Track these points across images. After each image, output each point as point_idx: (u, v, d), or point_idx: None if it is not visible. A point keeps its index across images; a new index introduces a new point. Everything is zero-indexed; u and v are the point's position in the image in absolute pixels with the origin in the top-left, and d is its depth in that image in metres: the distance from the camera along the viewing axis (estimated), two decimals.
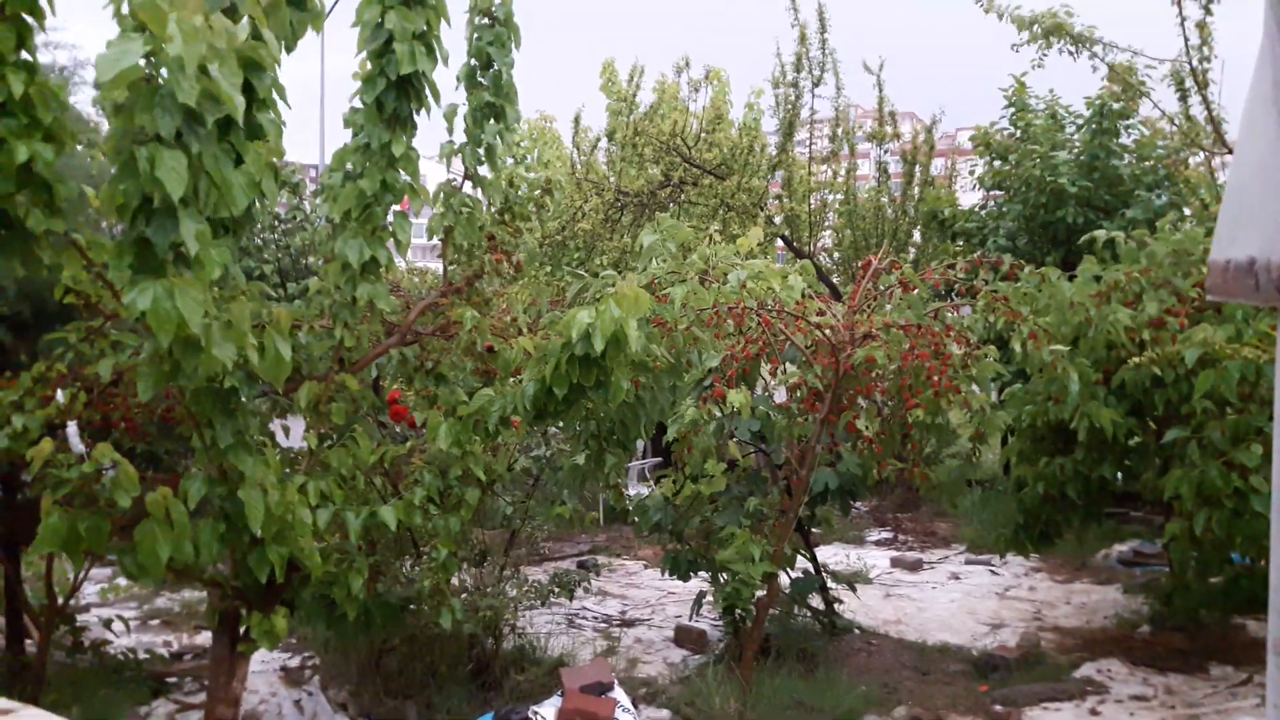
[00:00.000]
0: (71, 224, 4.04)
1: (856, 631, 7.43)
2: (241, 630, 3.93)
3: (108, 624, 6.47)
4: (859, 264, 7.29)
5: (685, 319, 5.09)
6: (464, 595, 6.03)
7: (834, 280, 13.21)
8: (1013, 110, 11.08)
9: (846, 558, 10.12)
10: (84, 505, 3.29)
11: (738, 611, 6.59)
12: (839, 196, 12.85)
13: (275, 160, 3.65)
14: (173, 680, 6.43)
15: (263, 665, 6.86)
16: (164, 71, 2.86)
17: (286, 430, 5.07)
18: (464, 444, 4.28)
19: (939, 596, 8.87)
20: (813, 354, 6.28)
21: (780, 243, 13.11)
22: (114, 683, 5.87)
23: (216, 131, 3.07)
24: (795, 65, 11.07)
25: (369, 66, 4.15)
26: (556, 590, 6.54)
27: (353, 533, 4.01)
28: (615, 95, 12.34)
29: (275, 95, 3.32)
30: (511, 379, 4.48)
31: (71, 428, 3.46)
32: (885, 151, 12.56)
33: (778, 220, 12.65)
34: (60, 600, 5.52)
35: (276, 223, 11.17)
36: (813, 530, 8.35)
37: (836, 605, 7.56)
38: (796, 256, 12.82)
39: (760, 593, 6.19)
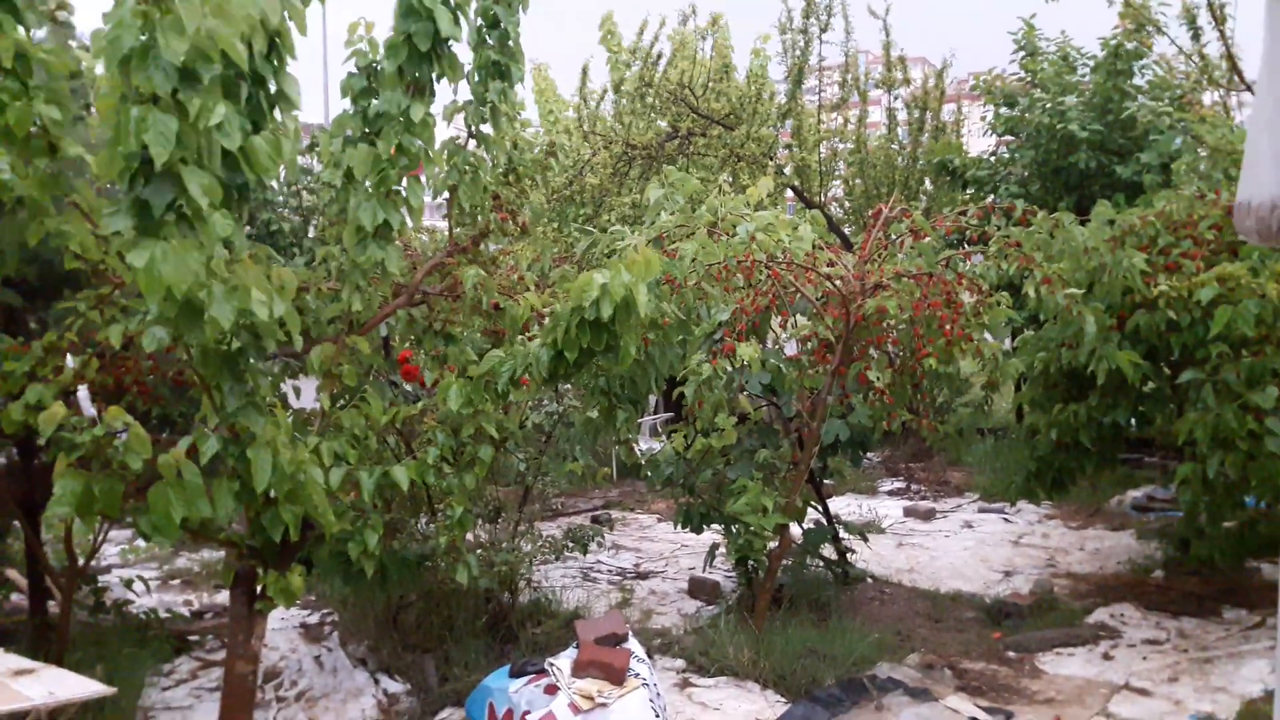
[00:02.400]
0: (78, 189, 4.04)
1: (869, 580, 7.48)
2: (258, 589, 3.97)
3: (128, 584, 6.56)
4: (870, 213, 7.21)
5: (695, 274, 5.05)
6: (479, 551, 6.08)
7: (845, 230, 13.10)
8: (1023, 54, 10.87)
9: (859, 508, 10.16)
10: (97, 468, 3.31)
11: (750, 563, 6.64)
12: (849, 145, 12.68)
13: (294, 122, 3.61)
14: (194, 638, 6.53)
15: (282, 622, 6.96)
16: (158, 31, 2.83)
17: (298, 391, 5.08)
18: (475, 403, 4.28)
19: (952, 545, 8.90)
20: (823, 305, 6.24)
21: (790, 193, 12.98)
22: (136, 641, 5.96)
23: (239, 96, 3.05)
24: (804, 11, 10.88)
25: (386, 34, 4.12)
26: (570, 545, 6.58)
27: (366, 492, 4.03)
28: (616, 49, 12.15)
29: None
30: (520, 337, 4.47)
31: (82, 392, 3.47)
32: (895, 98, 12.36)
33: (788, 170, 12.51)
34: (81, 561, 5.59)
35: (291, 183, 11.12)
36: (825, 481, 8.38)
37: (849, 555, 7.60)
38: (807, 206, 12.69)
39: (772, 544, 6.22)
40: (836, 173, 13.30)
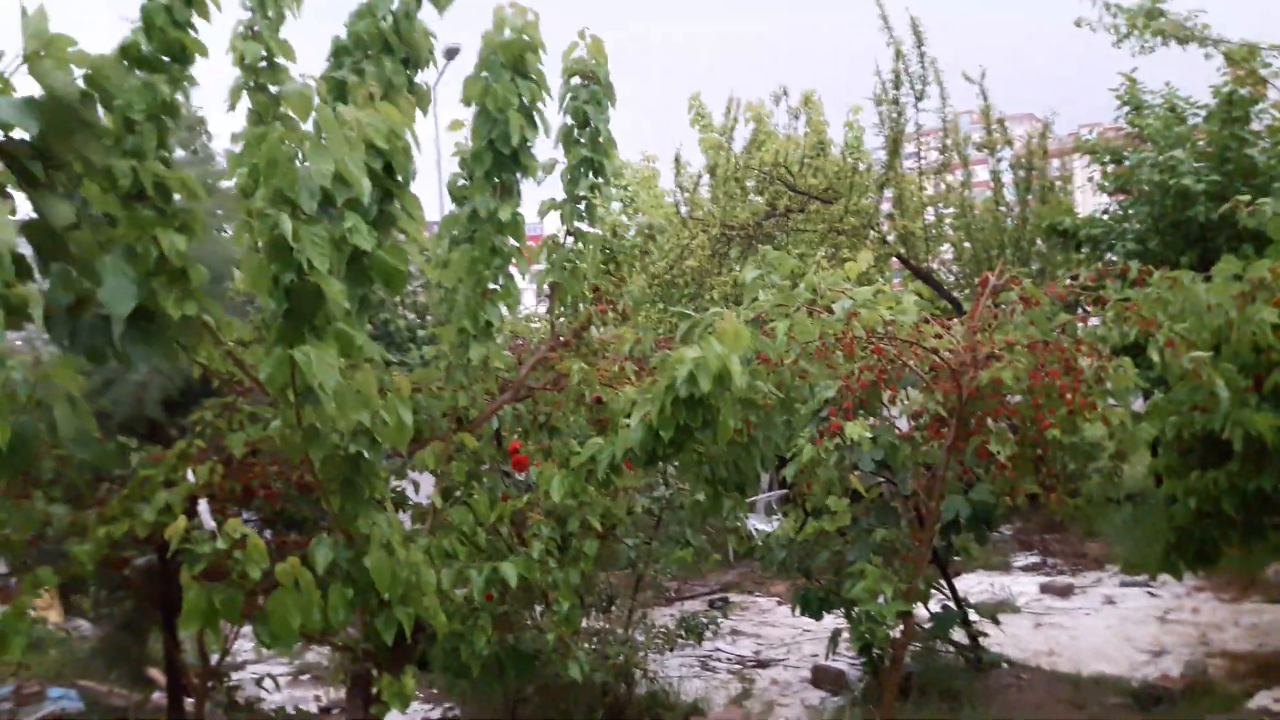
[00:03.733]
0: (205, 307, 4.31)
1: (1005, 665, 7.08)
2: (374, 691, 4.02)
3: (259, 681, 6.75)
4: (977, 281, 7.04)
5: (791, 353, 5.00)
6: (592, 641, 6.04)
7: (957, 295, 12.80)
8: (1127, 110, 10.55)
9: (990, 586, 9.69)
10: (218, 578, 3.45)
11: (875, 650, 6.38)
12: (954, 210, 12.48)
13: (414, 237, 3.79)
14: None
15: (407, 716, 7.02)
16: (300, 156, 3.03)
17: (416, 486, 5.21)
18: (578, 494, 4.30)
19: (1093, 623, 8.38)
20: (933, 378, 6.07)
21: (896, 261, 12.80)
22: None
23: (361, 213, 3.24)
24: (894, 81, 10.85)
25: (471, 142, 4.32)
26: (684, 635, 6.47)
27: (476, 590, 4.07)
28: (706, 128, 12.36)
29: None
30: (623, 420, 4.49)
31: (202, 505, 3.63)
32: (998, 160, 12.14)
33: (891, 239, 12.36)
34: (214, 660, 5.79)
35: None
36: (952, 560, 8.04)
37: (981, 638, 7.23)
38: (914, 274, 12.47)
39: (895, 631, 5.97)
40: (944, 237, 13.07)
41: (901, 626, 5.95)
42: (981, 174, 13.22)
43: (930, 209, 12.59)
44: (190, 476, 4.26)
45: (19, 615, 4.50)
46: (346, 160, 2.91)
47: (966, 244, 12.47)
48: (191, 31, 3.58)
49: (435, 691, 7.35)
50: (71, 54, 2.76)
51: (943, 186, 12.43)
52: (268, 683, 6.79)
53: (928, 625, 6.73)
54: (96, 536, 4.50)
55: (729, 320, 3.89)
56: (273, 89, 4.05)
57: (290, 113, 3.14)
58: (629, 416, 4.16)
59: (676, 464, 5.38)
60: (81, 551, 4.53)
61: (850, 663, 7.23)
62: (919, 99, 10.88)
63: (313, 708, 7.27)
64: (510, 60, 4.23)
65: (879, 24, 10.75)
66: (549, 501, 4.33)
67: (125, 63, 3.49)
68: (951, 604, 7.11)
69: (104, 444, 4.97)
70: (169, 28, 3.53)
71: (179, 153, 7.38)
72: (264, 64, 3.91)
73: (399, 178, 3.45)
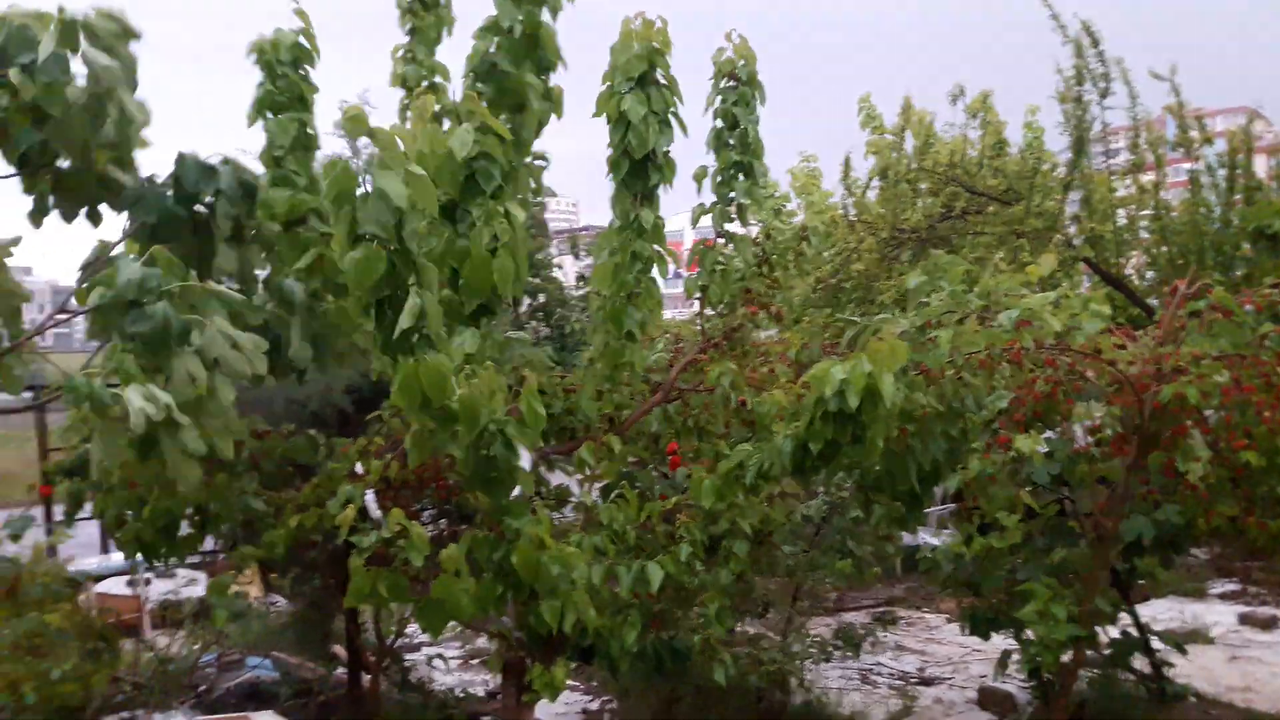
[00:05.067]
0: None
1: (1192, 699, 6.58)
2: (527, 680, 4.20)
3: (430, 661, 7.14)
4: (1167, 289, 6.57)
5: (953, 364, 4.84)
6: (747, 646, 6.04)
7: (1150, 302, 11.94)
8: None
9: (1180, 613, 9.00)
10: (386, 564, 3.70)
11: (1045, 674, 6.06)
12: (1148, 212, 11.64)
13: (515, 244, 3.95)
14: (487, 718, 6.95)
15: (565, 707, 7.24)
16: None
17: (581, 484, 5.39)
18: (728, 498, 4.33)
19: None
20: (1114, 392, 5.71)
21: (1085, 265, 12.07)
22: (436, 718, 6.45)
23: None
24: (1076, 79, 10.25)
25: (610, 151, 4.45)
26: (839, 646, 6.37)
27: (624, 587, 4.17)
28: (877, 129, 12.05)
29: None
30: (779, 428, 4.48)
31: (369, 496, 3.90)
32: (1196, 159, 11.23)
33: (1078, 242, 11.67)
34: (389, 640, 6.18)
35: (581, 283, 11.98)
36: (1135, 583, 7.52)
37: (1166, 668, 6.73)
38: (1104, 280, 11.73)
39: (1067, 655, 5.66)
40: (1136, 240, 12.20)
41: (1072, 651, 5.64)
42: (1180, 173, 12.28)
43: (1122, 211, 11.79)
44: (359, 468, 4.57)
45: (221, 590, 4.98)
46: (414, 180, 3.03)
47: (1163, 248, 11.61)
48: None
49: (595, 684, 7.53)
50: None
51: (1134, 188, 11.63)
52: (439, 664, 7.19)
53: (1106, 651, 6.34)
54: (289, 523, 4.91)
55: (887, 336, 3.82)
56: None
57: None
58: (779, 423, 4.16)
59: (826, 476, 5.32)
60: (275, 535, 4.95)
61: (1020, 685, 6.90)
62: (1103, 96, 10.23)
63: (480, 691, 7.61)
64: (639, 70, 4.31)
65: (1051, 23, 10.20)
66: (701, 504, 4.38)
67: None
68: (1133, 630, 6.66)
69: (302, 438, 5.48)
70: (290, 72, 3.94)
71: None
72: (424, 84, 4.19)
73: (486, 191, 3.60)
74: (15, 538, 5.71)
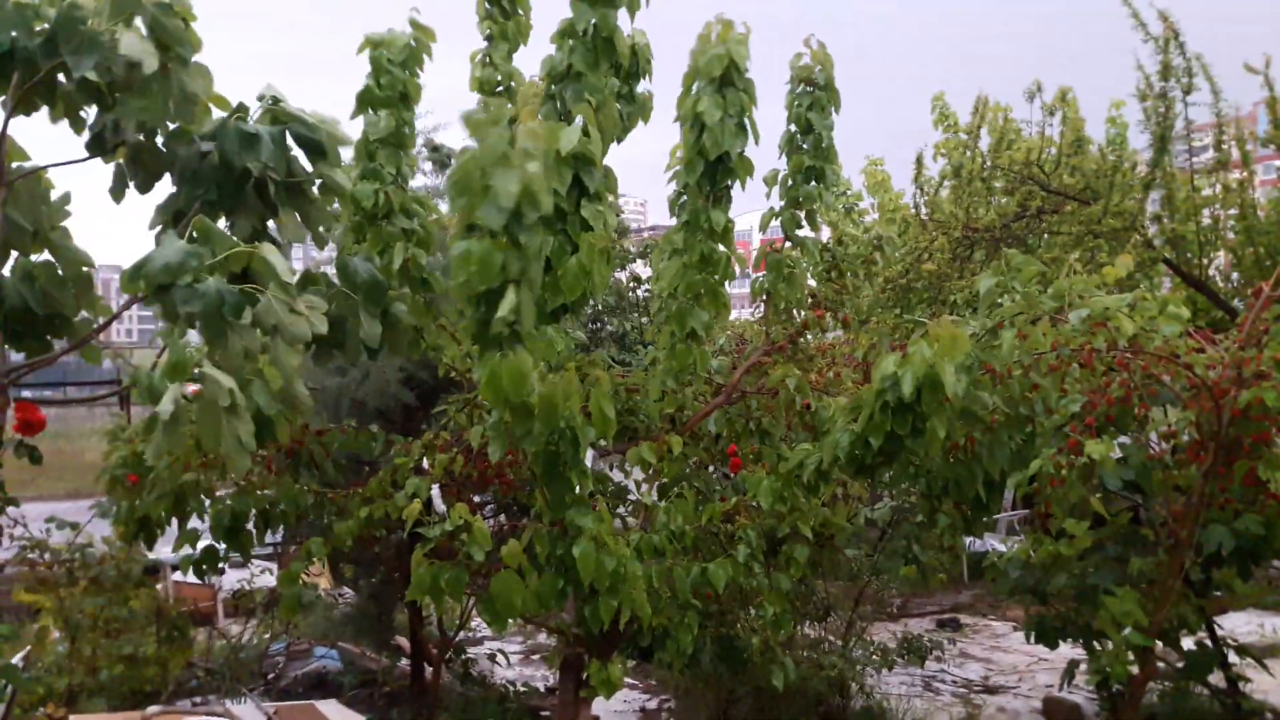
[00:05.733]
0: (446, 314, 4.76)
1: (1269, 717, 6.34)
2: (584, 676, 4.23)
3: (492, 656, 7.24)
4: (1250, 291, 6.34)
5: (1020, 364, 4.74)
6: (807, 650, 6.00)
7: (1234, 305, 11.51)
8: None
9: (1261, 627, 8.68)
10: (448, 558, 3.76)
11: (1113, 685, 5.90)
12: (1233, 211, 11.22)
13: (607, 245, 3.97)
14: (546, 713, 7.02)
15: (624, 705, 7.28)
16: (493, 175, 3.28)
17: (638, 485, 5.41)
18: (788, 500, 4.31)
19: None
20: (1191, 397, 5.53)
21: (1165, 266, 11.69)
22: (497, 713, 6.54)
23: (544, 224, 3.44)
24: (1160, 74, 9.92)
25: (679, 154, 4.45)
26: (904, 655, 6.28)
27: (682, 589, 4.17)
28: (951, 128, 11.84)
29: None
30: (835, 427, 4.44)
31: (435, 490, 3.97)
32: None
33: (1158, 243, 11.30)
34: (451, 634, 6.28)
35: (634, 286, 12.01)
36: (1212, 594, 7.27)
37: (1242, 683, 6.50)
38: (1185, 282, 11.35)
39: (1136, 667, 5.50)
40: (1221, 241, 11.78)
41: (1141, 663, 5.47)
42: (1271, 170, 11.83)
43: (1205, 210, 11.39)
44: (426, 464, 4.65)
45: (291, 580, 5.11)
46: (531, 178, 3.07)
47: (1248, 249, 11.19)
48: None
49: (654, 683, 7.55)
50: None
51: (1219, 186, 11.23)
52: (500, 659, 7.28)
53: (1179, 664, 6.14)
54: (357, 516, 5.01)
55: (944, 323, 3.75)
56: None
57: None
58: (837, 422, 4.11)
59: (889, 478, 5.25)
60: (342, 528, 5.06)
61: (1087, 696, 6.74)
62: (1187, 92, 9.88)
63: (540, 686, 7.69)
64: (716, 72, 4.31)
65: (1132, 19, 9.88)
66: (760, 504, 4.36)
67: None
68: (1209, 642, 6.44)
69: (364, 433, 5.59)
70: (396, 71, 4.00)
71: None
72: (500, 89, 4.25)
73: (589, 191, 3.62)
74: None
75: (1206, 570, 6.42)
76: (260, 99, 3.46)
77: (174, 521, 4.89)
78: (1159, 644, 5.54)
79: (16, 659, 5.81)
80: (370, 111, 4.47)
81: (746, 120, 4.31)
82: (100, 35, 2.96)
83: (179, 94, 3.15)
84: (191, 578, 5.23)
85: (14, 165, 3.46)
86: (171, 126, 3.33)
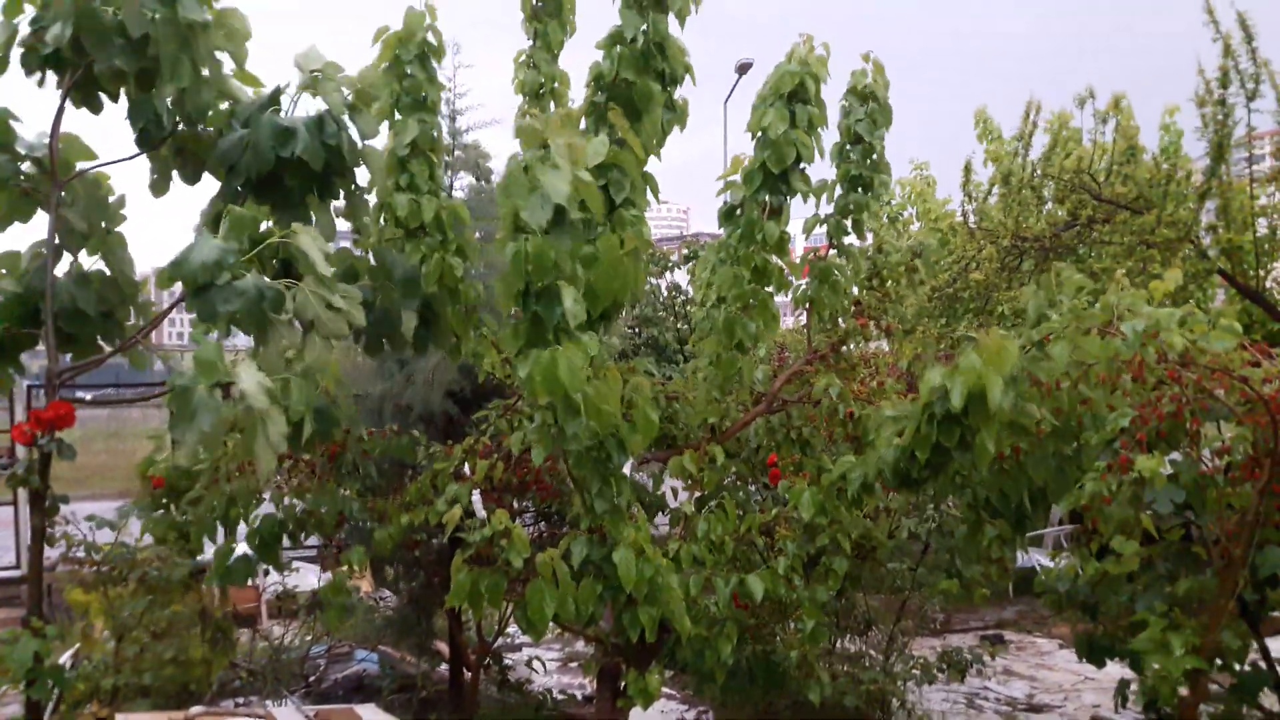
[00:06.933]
0: (486, 321, 4.78)
1: None
2: (621, 685, 4.21)
3: (529, 663, 7.24)
4: None
5: (1069, 377, 4.65)
6: (846, 664, 5.92)
7: None
8: None
9: None
10: (488, 564, 3.77)
11: (1164, 708, 5.74)
12: None
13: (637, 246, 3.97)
14: None
15: (662, 716, 7.24)
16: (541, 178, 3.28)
17: (675, 492, 5.39)
18: (829, 512, 4.26)
19: None
20: (1245, 412, 5.38)
21: (1220, 277, 11.41)
22: (534, 719, 6.53)
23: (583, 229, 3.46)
24: (1221, 80, 9.66)
25: (744, 164, 4.47)
26: (943, 670, 6.18)
27: (720, 599, 4.14)
28: (994, 141, 11.71)
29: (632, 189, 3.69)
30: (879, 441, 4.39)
31: (476, 495, 3.98)
32: None
33: (1212, 254, 11.04)
34: (490, 640, 6.29)
35: (675, 294, 11.99)
36: (1267, 616, 7.06)
37: None
38: (1241, 294, 11.08)
39: (1186, 689, 5.35)
40: (1279, 253, 11.48)
41: (1195, 685, 5.32)
42: None
43: (1262, 220, 11.10)
44: (468, 470, 4.66)
45: (338, 589, 5.15)
46: (582, 183, 3.07)
47: None
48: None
49: (690, 694, 7.50)
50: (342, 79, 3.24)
51: (1278, 195, 10.95)
52: (538, 666, 7.28)
53: (1232, 686, 5.97)
54: (397, 521, 5.04)
55: (993, 334, 3.70)
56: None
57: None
58: (882, 434, 4.06)
59: (934, 491, 5.17)
60: (383, 534, 5.10)
61: (1135, 717, 6.57)
62: (1250, 98, 9.61)
63: (578, 695, 7.67)
64: (789, 87, 4.32)
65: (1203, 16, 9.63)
66: (801, 517, 4.32)
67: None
68: (1263, 664, 6.25)
69: (401, 438, 5.63)
70: (418, 72, 4.04)
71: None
72: (543, 90, 4.26)
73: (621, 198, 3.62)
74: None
75: (1260, 591, 6.24)
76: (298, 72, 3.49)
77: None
78: (1214, 664, 5.38)
79: (64, 658, 5.92)
80: (396, 116, 4.39)
81: (812, 136, 4.32)
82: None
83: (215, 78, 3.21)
84: None
85: (78, 166, 3.55)
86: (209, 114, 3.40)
